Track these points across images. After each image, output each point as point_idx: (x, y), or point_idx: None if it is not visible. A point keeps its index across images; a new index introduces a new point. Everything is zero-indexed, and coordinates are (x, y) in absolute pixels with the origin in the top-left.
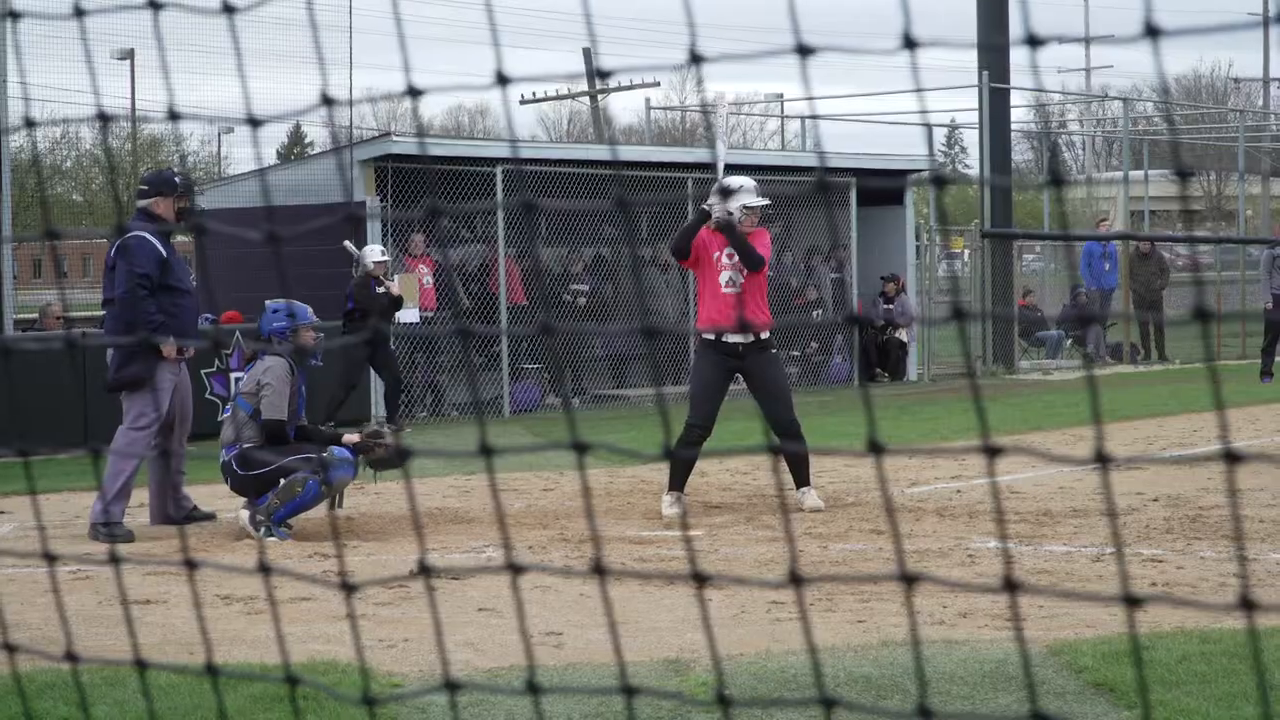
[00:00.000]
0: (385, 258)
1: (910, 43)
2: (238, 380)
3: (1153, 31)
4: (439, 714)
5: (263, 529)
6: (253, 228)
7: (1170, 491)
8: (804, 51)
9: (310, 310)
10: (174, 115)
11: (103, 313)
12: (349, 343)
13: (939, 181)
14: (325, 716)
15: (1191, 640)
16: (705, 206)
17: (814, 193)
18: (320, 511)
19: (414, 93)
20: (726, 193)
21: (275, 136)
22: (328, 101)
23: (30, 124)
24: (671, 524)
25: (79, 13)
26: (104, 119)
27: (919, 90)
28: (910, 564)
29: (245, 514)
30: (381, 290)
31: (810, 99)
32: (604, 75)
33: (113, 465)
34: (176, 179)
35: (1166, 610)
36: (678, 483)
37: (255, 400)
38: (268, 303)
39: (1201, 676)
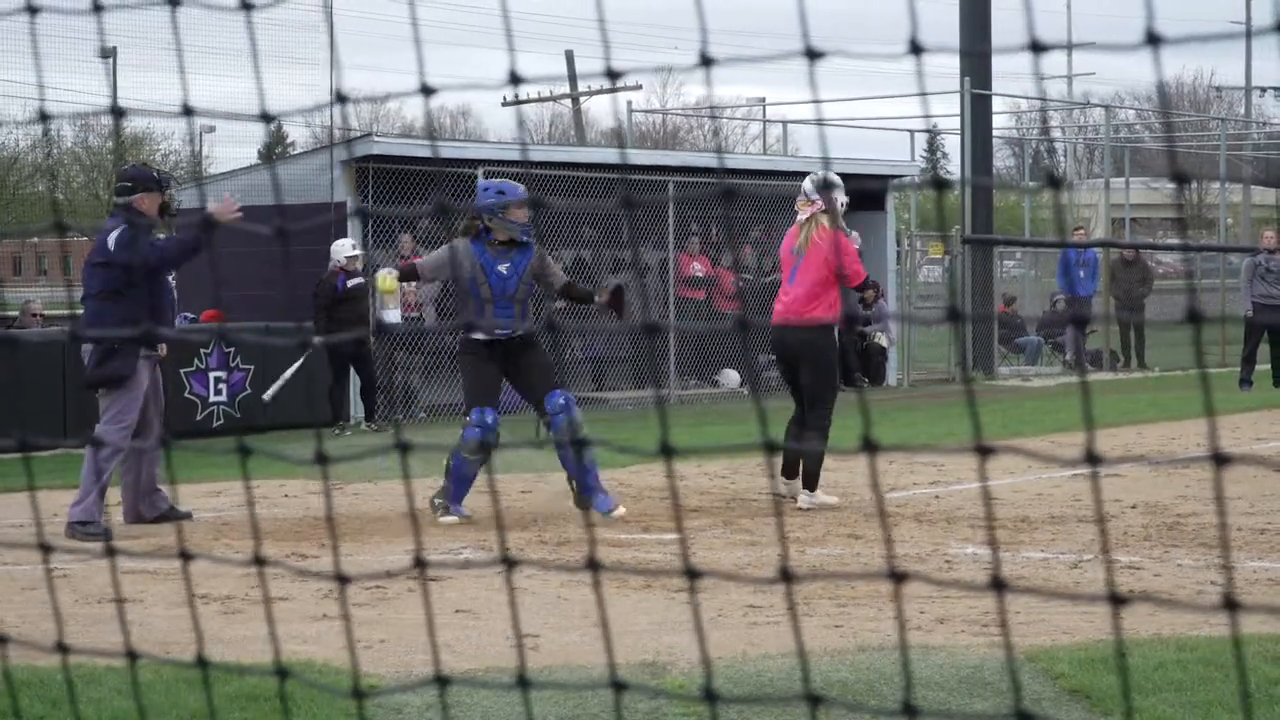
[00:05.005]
0: (356, 252)
1: (918, 48)
2: (216, 380)
3: (1154, 39)
4: (414, 714)
5: (439, 510)
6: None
7: (1148, 499)
8: (813, 55)
9: (522, 188)
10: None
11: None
12: (342, 339)
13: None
14: (302, 716)
15: (1168, 647)
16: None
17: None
18: (298, 511)
19: (427, 93)
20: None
21: (257, 136)
22: (343, 99)
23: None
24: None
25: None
26: (119, 113)
27: (902, 96)
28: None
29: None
30: (354, 284)
31: (789, 103)
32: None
33: (90, 464)
34: (156, 174)
35: (1143, 617)
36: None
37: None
38: (480, 181)
39: (1178, 684)
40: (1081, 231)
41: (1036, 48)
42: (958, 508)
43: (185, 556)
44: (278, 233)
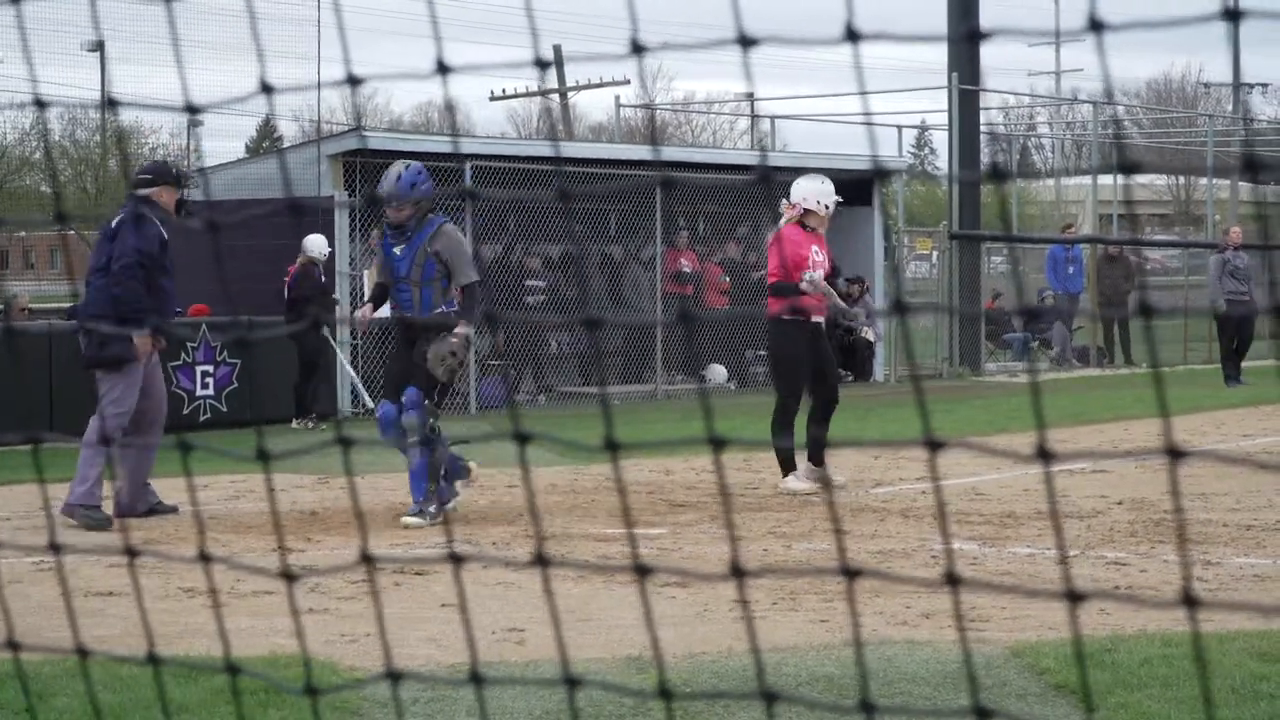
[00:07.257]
0: (326, 250)
1: (855, 35)
2: (204, 374)
3: (1097, 25)
4: (403, 708)
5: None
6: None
7: (1135, 495)
8: (747, 42)
9: (394, 176)
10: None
11: (67, 305)
12: (296, 330)
13: (881, 174)
14: (286, 710)
15: (1154, 643)
16: (801, 204)
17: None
18: (284, 505)
19: (354, 81)
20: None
21: (244, 130)
22: (269, 89)
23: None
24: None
25: None
26: (112, 103)
27: (891, 91)
28: (873, 565)
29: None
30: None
31: (778, 99)
32: (544, 65)
33: (88, 449)
34: (175, 171)
35: (1129, 613)
36: (792, 466)
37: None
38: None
39: (1164, 679)
40: (1071, 229)
41: (974, 36)
42: (944, 503)
43: (131, 553)
44: (209, 226)
